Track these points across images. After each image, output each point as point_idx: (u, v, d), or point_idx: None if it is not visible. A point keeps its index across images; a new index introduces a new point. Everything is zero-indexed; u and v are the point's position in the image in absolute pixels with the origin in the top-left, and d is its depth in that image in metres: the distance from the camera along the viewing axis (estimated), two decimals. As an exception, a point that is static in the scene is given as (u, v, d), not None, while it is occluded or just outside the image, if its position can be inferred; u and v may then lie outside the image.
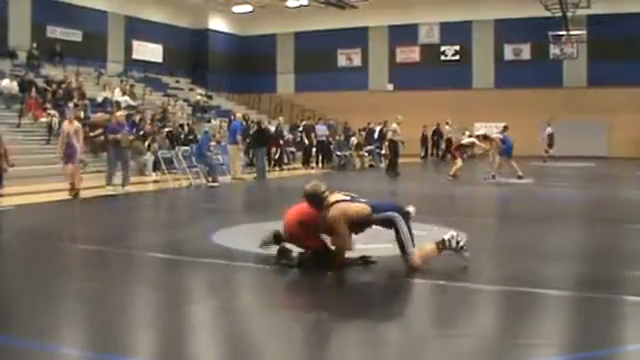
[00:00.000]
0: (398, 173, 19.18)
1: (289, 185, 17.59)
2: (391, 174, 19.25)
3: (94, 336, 4.36)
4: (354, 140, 24.61)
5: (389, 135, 20.10)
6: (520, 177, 16.57)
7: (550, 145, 26.44)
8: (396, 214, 6.08)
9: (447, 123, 27.80)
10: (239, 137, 18.17)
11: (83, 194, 13.37)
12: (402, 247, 6.04)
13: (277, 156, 22.45)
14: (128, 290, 5.62)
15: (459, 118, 29.83)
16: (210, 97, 31.12)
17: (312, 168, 23.08)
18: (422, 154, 28.96)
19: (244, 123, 20.49)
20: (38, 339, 4.19)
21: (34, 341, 4.16)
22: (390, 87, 33.74)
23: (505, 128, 18.24)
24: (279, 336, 4.44)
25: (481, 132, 19.62)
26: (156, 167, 17.85)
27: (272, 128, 23.91)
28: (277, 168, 22.03)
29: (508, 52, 31.40)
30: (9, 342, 4.12)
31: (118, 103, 23.06)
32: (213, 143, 19.56)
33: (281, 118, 25.78)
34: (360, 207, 6.07)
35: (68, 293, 5.40)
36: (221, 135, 20.99)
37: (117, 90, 23.96)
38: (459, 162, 17.28)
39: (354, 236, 6.20)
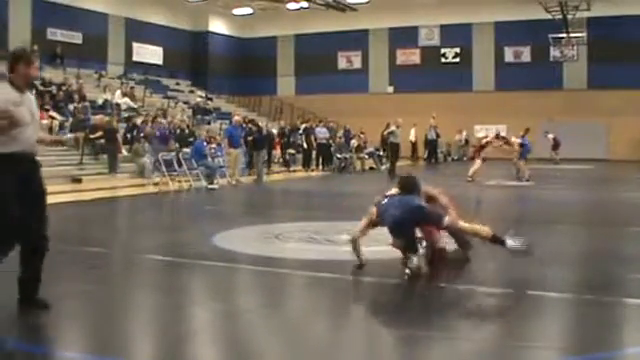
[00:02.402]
0: (395, 175, 19.20)
1: (289, 187, 17.61)
2: (392, 175, 19.33)
3: (95, 339, 4.35)
4: (354, 143, 24.63)
5: (391, 137, 20.19)
6: (528, 180, 16.71)
7: (554, 148, 26.57)
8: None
9: (433, 117, 27.33)
10: (226, 140, 18.06)
11: (86, 196, 13.36)
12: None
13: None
14: (128, 293, 5.62)
15: (459, 120, 29.88)
16: (210, 99, 31.12)
17: (312, 170, 23.09)
18: (425, 156, 28.84)
19: (243, 125, 20.23)
20: (39, 342, 4.19)
21: (35, 344, 4.16)
22: (390, 89, 33.76)
23: (527, 131, 18.30)
24: (280, 338, 4.44)
25: (502, 133, 19.26)
26: (156, 169, 17.83)
27: (274, 131, 23.97)
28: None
29: (508, 54, 31.42)
30: (11, 345, 4.11)
31: (118, 105, 23.09)
32: (213, 145, 19.56)
33: (282, 121, 26.05)
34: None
35: (68, 295, 5.39)
36: (221, 137, 20.92)
37: (117, 92, 23.99)
38: (477, 163, 17.31)
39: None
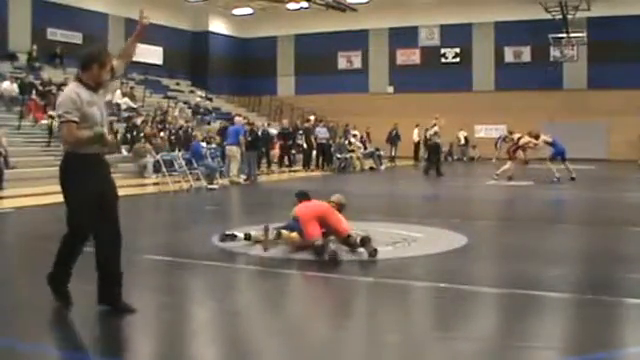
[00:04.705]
0: (442, 173, 19.76)
1: (289, 188, 17.58)
2: (436, 174, 19.72)
3: (95, 339, 4.35)
4: (353, 142, 24.62)
5: (434, 138, 20.56)
6: (573, 178, 16.98)
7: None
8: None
9: (436, 118, 27.31)
10: (242, 138, 17.98)
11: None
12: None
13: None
14: (128, 293, 5.60)
15: (459, 120, 29.84)
16: (210, 99, 31.11)
17: (312, 170, 23.09)
18: (425, 156, 28.78)
19: (244, 126, 20.21)
20: (40, 342, 4.19)
21: (36, 344, 4.16)
22: (390, 89, 33.75)
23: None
24: (280, 339, 4.44)
25: (533, 133, 19.21)
26: (156, 169, 17.84)
27: (273, 131, 23.96)
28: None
29: (508, 54, 31.40)
30: (11, 345, 4.12)
31: (118, 105, 23.10)
32: (213, 145, 19.57)
33: (285, 121, 26.14)
34: None
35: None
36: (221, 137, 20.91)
37: (117, 92, 23.99)
38: (509, 164, 17.48)
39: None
